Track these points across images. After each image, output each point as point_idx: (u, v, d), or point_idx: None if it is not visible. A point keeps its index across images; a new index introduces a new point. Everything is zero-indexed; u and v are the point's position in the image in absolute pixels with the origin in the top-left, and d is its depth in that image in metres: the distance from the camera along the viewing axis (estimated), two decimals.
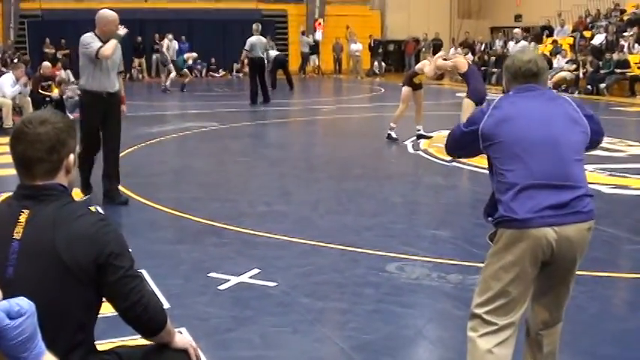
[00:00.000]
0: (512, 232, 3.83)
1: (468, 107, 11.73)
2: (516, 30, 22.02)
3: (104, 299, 2.99)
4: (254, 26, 23.00)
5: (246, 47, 22.87)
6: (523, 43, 21.04)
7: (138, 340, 3.42)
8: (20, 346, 1.65)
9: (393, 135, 15.12)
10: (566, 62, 28.02)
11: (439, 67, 13.40)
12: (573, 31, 32.67)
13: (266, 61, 24.41)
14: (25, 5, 34.20)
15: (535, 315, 4.19)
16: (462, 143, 4.29)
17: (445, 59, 13.66)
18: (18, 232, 2.84)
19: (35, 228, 2.85)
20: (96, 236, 2.89)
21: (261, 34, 22.84)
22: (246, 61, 24.59)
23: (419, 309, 6.06)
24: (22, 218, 2.88)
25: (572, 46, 30.68)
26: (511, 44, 21.18)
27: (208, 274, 6.76)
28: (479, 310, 4.00)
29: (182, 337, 3.33)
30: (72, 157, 3.02)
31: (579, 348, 5.16)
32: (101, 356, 3.05)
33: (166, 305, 5.75)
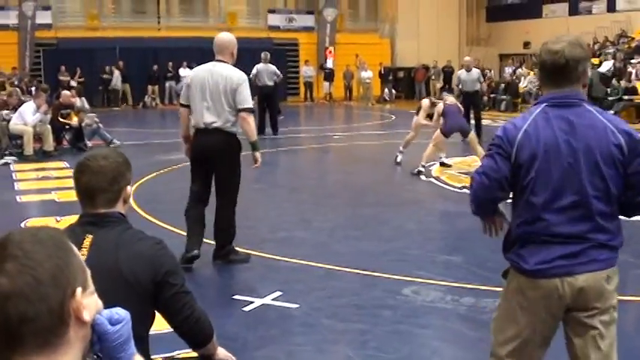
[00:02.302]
0: (524, 280, 3.71)
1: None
2: (467, 58, 22.07)
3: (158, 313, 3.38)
4: (262, 55, 22.91)
5: (252, 73, 22.29)
6: (475, 70, 21.24)
7: (186, 354, 3.79)
8: (118, 347, 1.99)
9: (398, 159, 15.78)
10: None
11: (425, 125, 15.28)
12: None
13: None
14: (40, 34, 34.68)
15: None
16: (498, 174, 3.69)
17: (434, 103, 15.19)
18: (83, 255, 3.17)
19: (99, 250, 3.22)
20: (154, 257, 3.32)
21: (270, 63, 22.73)
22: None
23: (434, 330, 6.38)
24: (87, 242, 3.25)
25: None
26: (462, 73, 21.30)
27: (233, 297, 7.12)
28: (499, 350, 3.87)
29: (223, 351, 3.74)
30: (129, 188, 3.44)
31: None
32: None
33: None
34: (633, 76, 27.78)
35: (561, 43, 3.68)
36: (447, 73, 37.91)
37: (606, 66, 30.10)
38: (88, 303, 1.76)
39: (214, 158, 7.84)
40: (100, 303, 1.88)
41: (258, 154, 8.16)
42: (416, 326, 6.41)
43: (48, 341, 1.65)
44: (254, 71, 22.41)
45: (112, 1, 38.33)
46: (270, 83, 22.46)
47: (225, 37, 8.02)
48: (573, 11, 39.77)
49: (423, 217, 10.89)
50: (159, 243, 3.42)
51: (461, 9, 44.76)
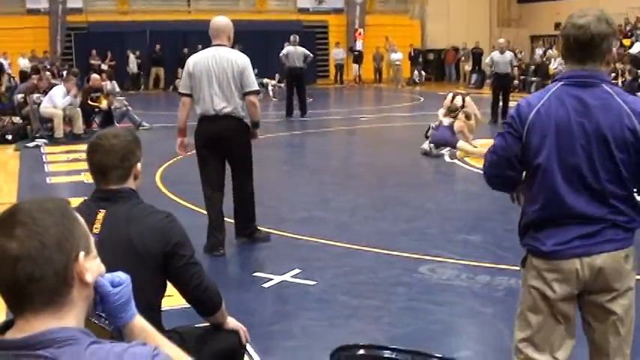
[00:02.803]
0: (542, 263, 3.66)
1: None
2: (501, 40, 21.94)
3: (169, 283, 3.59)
4: (291, 37, 22.98)
5: (282, 55, 22.65)
6: (509, 53, 21.15)
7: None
8: (119, 307, 2.17)
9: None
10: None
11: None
12: None
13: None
14: (71, 18, 34.96)
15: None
16: (506, 153, 3.69)
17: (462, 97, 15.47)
18: (97, 228, 3.42)
19: (111, 224, 3.44)
20: (164, 229, 3.51)
21: (300, 45, 22.76)
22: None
23: (448, 306, 6.50)
24: (100, 216, 3.47)
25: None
26: (496, 54, 21.22)
27: (253, 274, 7.32)
28: (521, 346, 3.79)
29: (233, 320, 3.93)
30: (139, 165, 3.63)
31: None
32: (165, 334, 3.59)
33: None
34: None
35: (587, 17, 3.58)
36: (476, 55, 37.77)
37: (637, 47, 29.91)
38: (91, 266, 1.93)
39: (229, 143, 7.83)
40: (102, 267, 2.05)
41: (257, 131, 8.19)
42: (430, 303, 6.54)
43: (53, 300, 1.83)
44: (284, 52, 22.55)
45: None
46: (300, 65, 22.47)
47: (222, 21, 7.93)
48: None
49: (443, 198, 11.00)
50: (168, 216, 3.61)
51: None
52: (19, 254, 1.78)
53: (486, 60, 22.91)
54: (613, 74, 27.60)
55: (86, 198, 3.66)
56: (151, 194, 10.07)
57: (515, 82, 22.17)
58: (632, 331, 3.74)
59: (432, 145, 14.76)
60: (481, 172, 3.87)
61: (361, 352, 2.51)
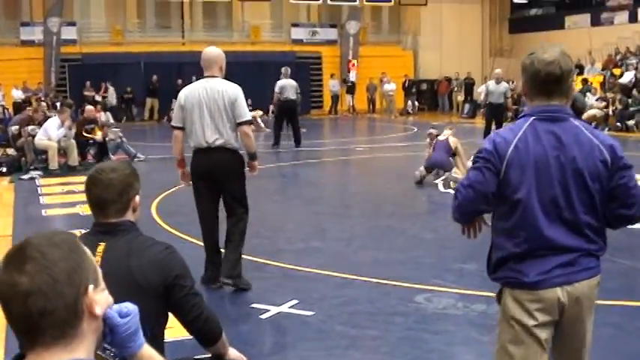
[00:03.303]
0: (524, 293, 3.70)
1: None
2: (497, 71, 22.07)
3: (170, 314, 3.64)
4: (283, 70, 22.97)
5: (276, 90, 22.56)
6: (504, 84, 21.28)
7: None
8: (128, 337, 2.21)
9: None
10: (596, 100, 28.41)
11: None
12: (603, 69, 33.14)
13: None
14: (65, 49, 35.21)
15: None
16: (484, 189, 3.68)
17: (437, 135, 15.64)
18: (97, 261, 3.39)
19: (112, 257, 3.46)
20: (164, 261, 3.56)
21: (292, 78, 22.86)
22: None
23: (444, 335, 6.54)
24: (100, 249, 3.49)
25: (602, 84, 31.09)
26: (491, 84, 21.42)
27: (251, 305, 7.34)
28: None
29: (234, 351, 3.96)
30: (137, 198, 3.68)
31: None
32: None
33: None
34: None
35: (554, 53, 3.68)
36: (469, 85, 38.08)
37: (628, 77, 30.16)
38: (99, 299, 1.98)
39: (222, 177, 7.74)
40: (110, 299, 2.10)
41: (256, 163, 8.12)
42: (427, 332, 6.58)
43: (64, 333, 1.87)
44: (279, 85, 22.53)
45: (137, 16, 38.72)
46: (293, 97, 22.59)
47: (213, 52, 7.80)
48: (595, 22, 39.83)
49: (438, 227, 11.04)
50: (168, 248, 3.66)
51: (484, 21, 44.91)
52: (30, 289, 1.82)
53: (479, 89, 23.05)
54: (604, 103, 27.82)
55: (85, 231, 3.70)
56: (147, 226, 10.05)
57: (509, 113, 22.29)
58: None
59: (422, 170, 14.95)
60: None
61: None
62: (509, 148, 3.62)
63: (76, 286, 1.88)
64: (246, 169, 8.06)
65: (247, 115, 7.77)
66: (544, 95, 3.72)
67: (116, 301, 3.10)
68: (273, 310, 7.17)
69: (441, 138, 15.39)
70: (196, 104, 7.53)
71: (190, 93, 7.67)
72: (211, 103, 7.53)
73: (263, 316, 7.03)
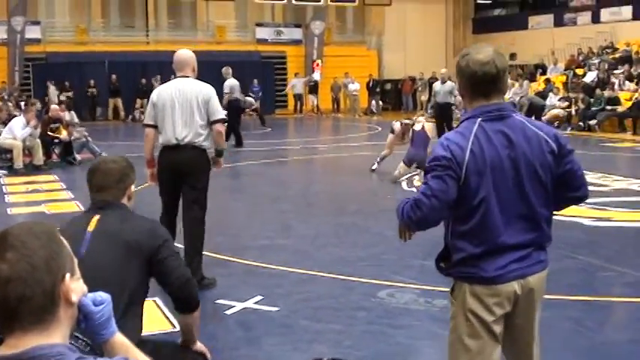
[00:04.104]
0: (482, 288, 3.78)
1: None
2: (443, 70, 22.31)
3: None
4: (224, 70, 22.74)
5: (226, 90, 22.20)
6: (449, 83, 21.45)
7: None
8: (101, 325, 2.30)
9: (374, 167, 16.71)
10: (559, 100, 28.74)
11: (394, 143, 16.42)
12: (566, 69, 33.48)
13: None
14: (29, 48, 34.98)
15: None
16: (447, 197, 3.68)
17: (407, 124, 15.94)
18: (91, 227, 3.92)
19: (105, 223, 3.94)
20: (154, 228, 4.09)
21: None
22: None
23: (407, 329, 6.69)
24: (95, 219, 3.97)
25: (565, 84, 31.41)
26: (437, 84, 21.68)
27: (216, 301, 7.44)
28: None
29: (201, 344, 4.25)
30: (132, 187, 4.20)
31: None
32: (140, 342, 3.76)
33: (177, 328, 6.43)
34: (616, 87, 28.16)
35: (488, 53, 3.74)
36: (432, 84, 38.23)
37: (590, 76, 30.56)
38: (75, 287, 2.09)
39: (187, 174, 7.81)
40: (85, 288, 2.20)
41: (221, 160, 8.23)
42: (389, 326, 6.72)
43: (42, 318, 1.98)
44: (228, 89, 22.36)
45: (101, 15, 38.57)
46: (239, 97, 22.75)
47: (186, 54, 7.98)
48: (558, 22, 40.26)
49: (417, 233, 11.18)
50: (155, 221, 4.43)
51: (447, 21, 45.27)
52: (10, 276, 1.93)
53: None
54: (566, 103, 28.15)
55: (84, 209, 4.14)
56: None
57: (457, 111, 22.38)
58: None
59: (402, 166, 15.19)
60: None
61: None
62: (465, 155, 3.67)
63: (53, 274, 1.99)
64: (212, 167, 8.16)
65: (221, 113, 7.90)
66: (482, 95, 3.78)
67: (105, 259, 3.57)
68: (238, 305, 7.27)
69: (416, 128, 15.42)
70: (169, 102, 7.64)
71: (163, 91, 7.80)
72: (184, 102, 7.65)
73: (228, 312, 7.13)
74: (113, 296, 3.29)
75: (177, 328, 5.36)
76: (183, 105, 7.65)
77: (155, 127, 7.84)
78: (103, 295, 2.31)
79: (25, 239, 1.99)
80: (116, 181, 4.09)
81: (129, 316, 3.72)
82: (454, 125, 20.13)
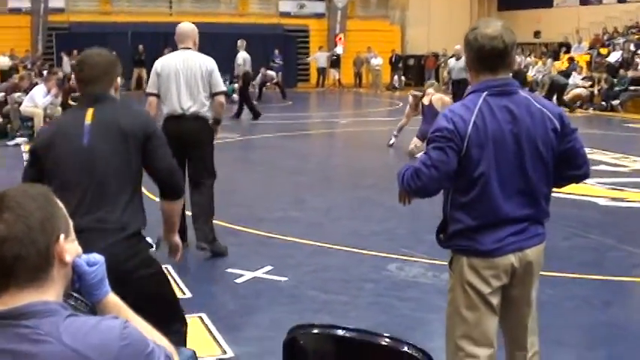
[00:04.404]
0: (479, 261, 3.85)
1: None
2: (457, 46, 22.05)
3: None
4: (239, 42, 22.82)
5: (239, 62, 22.53)
6: (464, 59, 21.24)
7: None
8: (95, 285, 2.37)
9: (391, 141, 16.81)
10: (582, 79, 28.55)
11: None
12: (590, 48, 33.23)
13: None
14: (53, 18, 35.09)
15: (510, 349, 4.15)
16: (448, 167, 3.75)
17: (416, 95, 16.33)
18: (88, 118, 4.06)
19: (102, 114, 4.08)
20: (146, 118, 4.40)
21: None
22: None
23: (413, 302, 6.76)
24: (89, 112, 4.08)
25: (589, 63, 31.21)
26: (452, 61, 21.55)
27: (227, 270, 7.55)
28: (461, 343, 3.96)
29: (178, 239, 4.56)
30: (119, 79, 4.33)
31: (548, 337, 5.81)
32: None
33: (188, 294, 6.58)
34: None
35: (496, 27, 3.77)
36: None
37: (615, 56, 30.27)
38: (69, 248, 2.16)
39: (192, 144, 7.86)
40: (79, 249, 2.28)
41: (218, 128, 8.34)
42: (396, 299, 6.80)
43: (36, 277, 2.06)
44: (241, 60, 22.47)
45: None
46: (250, 70, 22.95)
47: (188, 26, 8.17)
48: (584, 1, 39.90)
49: (415, 200, 11.22)
50: (145, 110, 4.78)
51: None
52: (7, 235, 2.00)
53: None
54: (589, 82, 28.00)
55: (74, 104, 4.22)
56: None
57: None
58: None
59: (416, 141, 15.19)
60: None
61: (316, 330, 2.72)
62: (468, 127, 3.72)
63: (48, 234, 2.06)
64: None
65: (222, 86, 8.10)
66: (489, 70, 3.82)
67: (107, 146, 3.88)
68: (248, 274, 7.37)
69: (425, 102, 15.44)
70: (173, 72, 7.76)
71: (167, 62, 7.93)
72: (188, 72, 7.79)
73: (237, 280, 7.24)
74: (121, 180, 3.97)
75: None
76: (187, 76, 7.78)
77: (158, 96, 7.95)
78: (96, 257, 2.38)
79: (21, 201, 2.05)
80: (104, 72, 4.19)
81: (136, 200, 4.10)
82: None
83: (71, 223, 2.21)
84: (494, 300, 3.89)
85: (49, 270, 2.08)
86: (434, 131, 3.83)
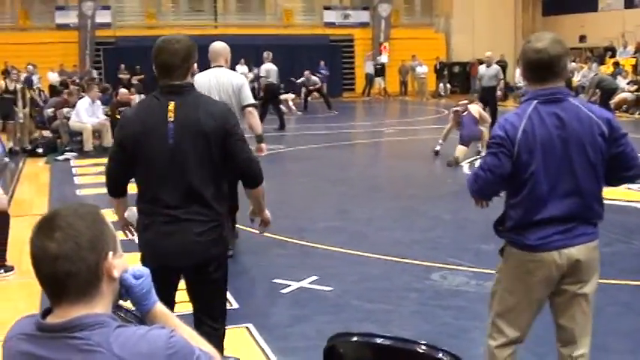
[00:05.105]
0: (525, 254, 4.17)
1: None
2: (488, 53, 21.92)
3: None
4: (265, 54, 23.00)
5: (262, 74, 22.83)
6: (495, 67, 21.22)
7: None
8: (142, 297, 2.52)
9: (437, 148, 16.95)
10: (628, 83, 28.36)
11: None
12: (636, 52, 32.97)
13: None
14: (100, 33, 35.66)
15: (559, 345, 4.43)
16: (501, 171, 4.10)
17: (457, 111, 16.48)
18: (170, 116, 4.31)
19: (183, 111, 4.33)
20: (225, 114, 4.48)
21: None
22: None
23: (456, 310, 6.86)
24: (171, 106, 4.33)
25: (635, 67, 30.96)
26: (482, 68, 21.41)
27: (273, 280, 7.70)
28: (496, 320, 4.40)
29: (268, 213, 5.05)
30: (195, 65, 4.59)
31: (593, 343, 5.85)
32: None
33: (235, 305, 6.74)
34: None
35: (544, 41, 4.09)
36: (501, 67, 37.94)
37: None
38: (117, 264, 2.31)
39: None
40: (126, 264, 2.42)
41: (264, 145, 8.69)
42: (439, 307, 6.90)
43: (86, 292, 2.21)
44: (264, 72, 22.71)
45: None
46: (277, 82, 22.91)
47: (219, 45, 8.53)
48: (629, 4, 39.54)
49: (458, 209, 11.28)
50: (226, 104, 4.88)
51: (516, 3, 44.65)
52: (58, 254, 2.15)
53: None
54: (635, 86, 27.78)
55: (155, 92, 4.48)
56: None
57: (499, 93, 22.11)
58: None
59: (460, 147, 15.59)
60: None
61: (355, 338, 2.85)
62: (517, 133, 4.05)
63: (97, 252, 2.21)
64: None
65: (251, 99, 8.41)
66: (538, 80, 4.14)
67: (188, 146, 4.24)
68: (294, 285, 7.52)
69: (465, 114, 16.10)
70: (206, 89, 7.96)
71: (201, 79, 8.18)
72: (221, 89, 8.16)
73: (284, 291, 7.39)
74: (205, 175, 4.35)
75: None
76: (220, 92, 8.09)
77: None
78: (142, 270, 2.52)
79: (71, 221, 2.20)
80: (182, 59, 4.36)
81: (220, 191, 4.47)
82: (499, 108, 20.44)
83: (119, 239, 2.35)
84: (536, 292, 4.23)
85: (98, 285, 2.23)
86: (490, 139, 4.26)
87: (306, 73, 31.20)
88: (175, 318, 2.58)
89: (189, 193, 4.33)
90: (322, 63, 35.69)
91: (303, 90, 31.47)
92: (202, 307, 4.59)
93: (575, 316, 4.30)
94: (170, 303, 3.84)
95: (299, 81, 31.45)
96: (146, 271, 2.53)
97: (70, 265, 2.15)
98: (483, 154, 15.39)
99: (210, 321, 4.56)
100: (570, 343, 4.35)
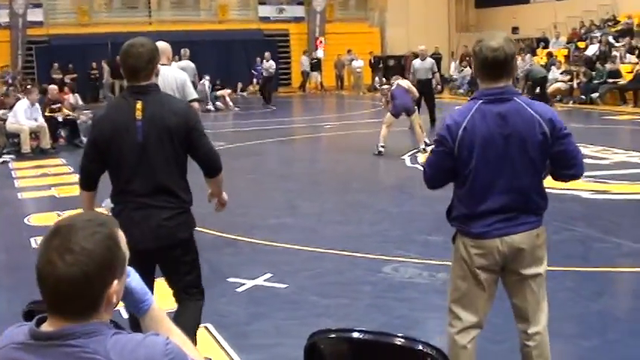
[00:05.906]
0: (469, 241, 4.40)
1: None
2: (422, 47, 22.27)
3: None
4: (182, 51, 21.52)
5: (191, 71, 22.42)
6: (429, 60, 21.57)
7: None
8: (140, 298, 2.52)
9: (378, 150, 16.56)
10: (561, 73, 28.81)
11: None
12: (568, 43, 33.52)
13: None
14: (32, 32, 35.04)
15: (516, 322, 4.63)
16: (441, 167, 4.42)
17: (382, 88, 17.56)
18: (139, 114, 4.65)
19: (149, 109, 4.67)
20: (187, 111, 4.89)
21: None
22: None
23: (411, 302, 6.98)
24: (139, 106, 4.67)
25: (567, 57, 31.47)
26: (417, 61, 21.70)
27: (227, 279, 7.71)
28: (452, 307, 4.61)
29: (225, 194, 5.42)
30: (159, 66, 4.95)
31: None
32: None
33: None
34: (618, 60, 28.20)
35: (498, 39, 4.23)
36: (436, 60, 38.21)
37: (592, 50, 30.54)
38: (119, 289, 2.29)
39: None
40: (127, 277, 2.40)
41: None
42: (394, 300, 7.00)
43: (84, 314, 2.19)
44: (183, 65, 22.25)
45: None
46: (193, 79, 22.56)
47: (162, 45, 8.49)
48: None
49: (405, 202, 11.46)
50: (187, 103, 5.62)
51: None
52: (63, 277, 2.13)
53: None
54: (568, 76, 28.26)
55: (122, 93, 4.96)
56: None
57: (439, 87, 22.52)
58: (545, 290, 4.58)
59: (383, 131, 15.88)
60: None
61: (333, 335, 2.91)
62: (459, 130, 4.26)
63: (103, 281, 2.19)
64: None
65: (195, 94, 8.68)
66: (493, 78, 4.29)
67: (155, 142, 4.64)
68: (249, 283, 7.55)
69: (394, 88, 16.36)
70: None
71: None
72: (166, 85, 8.15)
73: (239, 290, 7.41)
74: (172, 169, 4.69)
75: None
76: (165, 88, 8.06)
77: None
78: (128, 269, 2.49)
79: (85, 245, 2.16)
80: (146, 62, 4.67)
81: (186, 182, 4.88)
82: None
83: (127, 259, 2.32)
84: (483, 276, 4.42)
85: (98, 309, 2.21)
86: (435, 136, 4.58)
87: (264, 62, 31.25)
88: (170, 322, 2.60)
89: (158, 184, 4.71)
90: (258, 60, 35.47)
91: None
92: (179, 287, 5.04)
93: (527, 296, 4.50)
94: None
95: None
96: (129, 269, 2.53)
97: (73, 291, 2.14)
98: (421, 147, 15.71)
99: (188, 295, 5.05)
100: (525, 321, 4.55)
